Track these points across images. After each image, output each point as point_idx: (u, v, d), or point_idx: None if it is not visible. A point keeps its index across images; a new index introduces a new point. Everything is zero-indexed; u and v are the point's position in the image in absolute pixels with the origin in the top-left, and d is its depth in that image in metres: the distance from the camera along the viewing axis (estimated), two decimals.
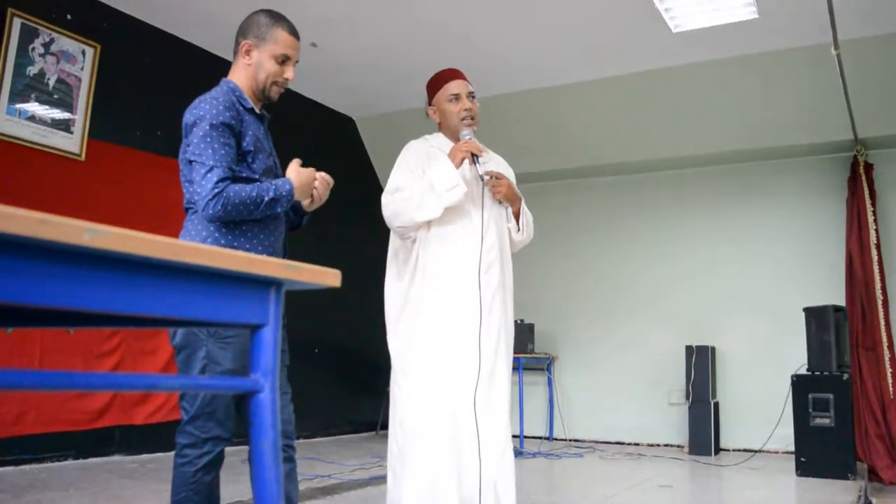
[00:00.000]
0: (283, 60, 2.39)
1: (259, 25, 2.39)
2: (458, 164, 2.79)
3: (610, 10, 5.47)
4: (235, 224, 2.26)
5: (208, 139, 2.20)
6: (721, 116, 6.78)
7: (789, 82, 6.27)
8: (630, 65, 6.47)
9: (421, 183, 2.81)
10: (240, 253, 0.89)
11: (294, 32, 2.43)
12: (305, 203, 2.47)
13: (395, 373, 2.90)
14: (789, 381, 5.76)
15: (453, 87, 2.96)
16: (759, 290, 7.10)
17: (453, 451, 2.71)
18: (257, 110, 2.40)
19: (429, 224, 2.85)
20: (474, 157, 2.82)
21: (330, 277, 0.99)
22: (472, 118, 2.95)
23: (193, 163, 2.21)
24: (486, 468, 2.74)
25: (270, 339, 0.96)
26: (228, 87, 2.35)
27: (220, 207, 2.16)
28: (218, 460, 2.24)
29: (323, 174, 2.46)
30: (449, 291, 2.81)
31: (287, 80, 2.42)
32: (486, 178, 2.90)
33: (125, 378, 0.99)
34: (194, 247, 0.83)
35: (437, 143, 3.01)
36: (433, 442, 2.71)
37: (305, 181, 2.37)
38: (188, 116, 2.27)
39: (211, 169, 2.17)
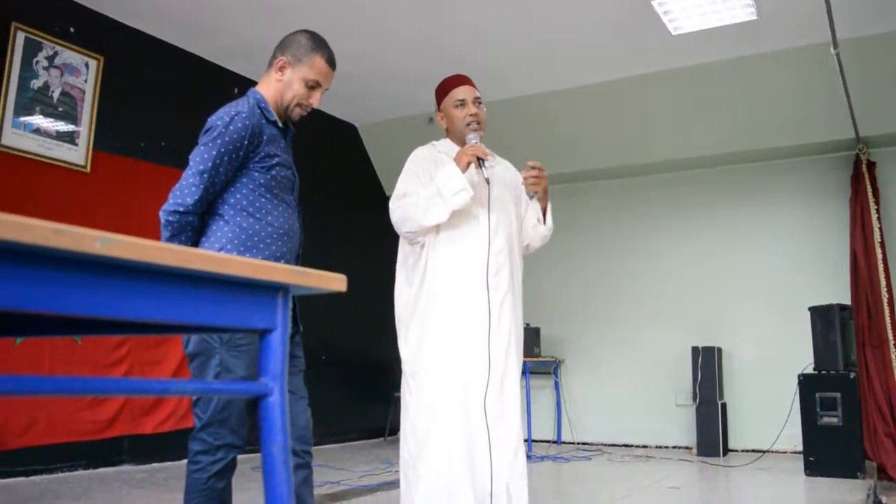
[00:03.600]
0: (313, 86, 2.42)
1: (299, 46, 2.41)
2: (465, 169, 2.80)
3: (608, 13, 5.49)
4: (253, 233, 2.28)
5: (213, 152, 2.23)
6: (723, 118, 6.80)
7: (790, 82, 6.28)
8: (630, 68, 6.49)
9: (428, 188, 2.83)
10: (247, 259, 0.90)
11: (331, 61, 2.45)
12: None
13: (406, 378, 2.91)
14: (796, 380, 5.75)
15: (460, 92, 2.98)
16: (764, 291, 7.10)
17: (466, 456, 2.72)
18: (280, 124, 2.42)
19: (437, 228, 2.87)
20: (480, 161, 2.84)
21: (336, 282, 1.01)
22: (479, 123, 2.97)
23: (188, 166, 2.26)
24: (499, 471, 2.76)
25: (279, 344, 0.98)
26: (255, 98, 2.38)
27: (166, 233, 2.25)
28: (230, 467, 2.25)
29: None
30: (458, 295, 2.83)
31: (311, 105, 2.44)
32: (532, 168, 2.92)
33: (137, 383, 1.01)
34: (202, 254, 0.85)
35: (444, 149, 3.03)
36: (446, 447, 2.72)
37: None
38: (210, 120, 2.31)
39: (195, 187, 2.23)
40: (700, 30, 5.67)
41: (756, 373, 7.02)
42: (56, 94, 5.19)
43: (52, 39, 5.17)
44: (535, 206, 3.08)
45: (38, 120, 5.08)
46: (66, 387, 0.80)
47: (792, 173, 7.18)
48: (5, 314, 0.95)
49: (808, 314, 5.92)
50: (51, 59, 5.16)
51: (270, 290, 0.97)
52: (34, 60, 5.06)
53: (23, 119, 4.98)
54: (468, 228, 2.87)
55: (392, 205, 2.90)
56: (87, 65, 5.39)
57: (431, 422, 2.75)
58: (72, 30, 5.31)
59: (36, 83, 5.07)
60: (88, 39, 5.41)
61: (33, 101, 5.05)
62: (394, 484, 3.15)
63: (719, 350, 7.02)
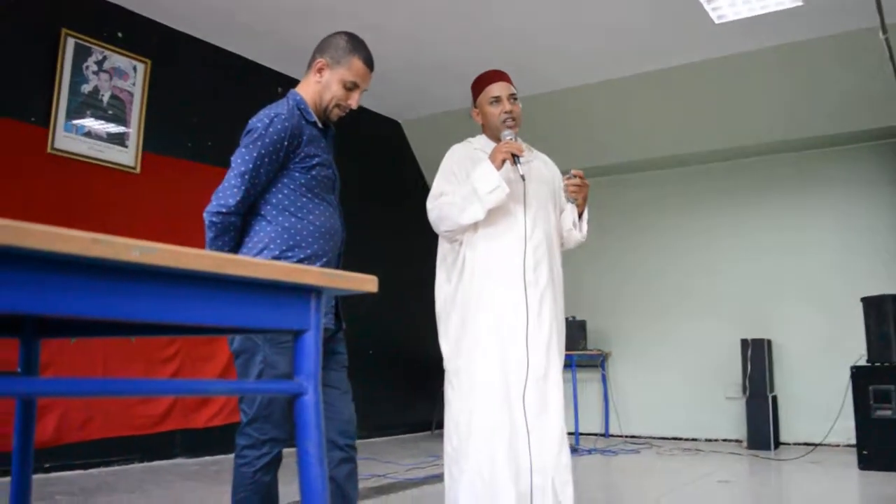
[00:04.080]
0: (351, 87, 2.44)
1: (337, 48, 2.44)
2: (500, 166, 2.80)
3: (652, 4, 5.44)
4: (295, 232, 2.32)
5: (253, 154, 2.27)
6: (769, 106, 6.68)
7: (837, 69, 6.14)
8: (674, 58, 6.42)
9: (464, 186, 2.84)
10: (280, 263, 0.93)
11: (369, 62, 2.47)
12: None
13: (448, 374, 2.94)
14: (848, 372, 5.65)
15: (494, 89, 2.98)
16: (815, 281, 6.97)
17: (508, 451, 2.74)
18: (319, 124, 2.45)
19: (475, 226, 2.88)
20: (515, 158, 2.84)
21: (367, 283, 1.03)
22: (514, 120, 2.97)
23: (230, 167, 2.30)
24: (543, 466, 2.76)
25: (312, 344, 1.01)
26: (295, 99, 2.41)
27: (210, 233, 2.29)
28: (276, 461, 2.30)
29: None
30: (496, 291, 2.84)
31: (350, 106, 2.47)
32: (573, 177, 2.92)
33: (177, 384, 1.04)
34: (236, 259, 0.88)
35: (480, 145, 3.04)
36: (487, 443, 2.74)
37: None
38: (250, 123, 2.35)
39: (237, 189, 2.26)
40: (744, 18, 5.58)
41: (807, 365, 6.91)
42: (106, 98, 5.32)
43: (102, 44, 5.30)
44: (572, 211, 3.06)
45: (89, 123, 5.21)
46: (109, 388, 0.84)
47: (842, 161, 7.04)
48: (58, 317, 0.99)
49: (860, 305, 5.81)
50: (100, 63, 5.29)
51: (304, 292, 1.00)
52: (84, 65, 5.19)
53: (75, 122, 5.12)
54: (505, 225, 2.88)
55: (429, 204, 2.92)
56: (135, 68, 5.51)
57: (473, 418, 2.78)
58: (120, 35, 5.44)
59: (86, 87, 5.21)
60: (136, 44, 5.54)
61: (84, 104, 5.19)
62: (440, 477, 3.20)
63: (769, 342, 6.92)
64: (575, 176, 2.93)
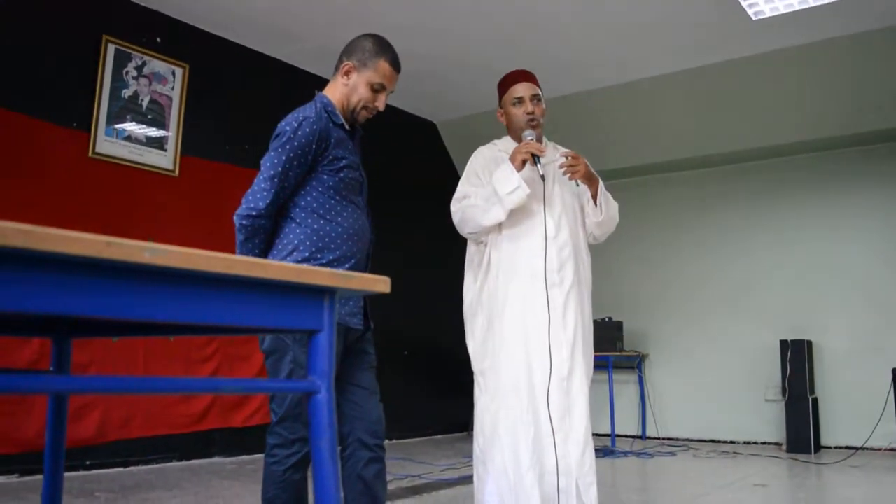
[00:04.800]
0: (378, 89, 2.47)
1: (364, 50, 2.47)
2: (520, 167, 2.81)
3: (688, 1, 5.39)
4: (324, 234, 2.36)
5: (282, 157, 2.31)
6: (809, 103, 6.58)
7: (878, 64, 6.03)
8: (710, 55, 6.35)
9: (486, 188, 2.86)
10: (291, 265, 0.96)
11: (396, 64, 2.50)
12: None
13: (476, 374, 2.96)
14: (891, 375, 5.54)
15: (518, 90, 2.99)
16: (857, 282, 6.85)
17: (533, 452, 2.74)
18: (347, 126, 2.48)
19: (499, 227, 2.90)
20: (535, 158, 2.84)
21: (379, 284, 1.05)
22: (536, 121, 2.97)
23: (260, 171, 2.34)
24: (567, 467, 2.77)
25: (326, 344, 1.03)
26: (322, 102, 2.45)
27: (241, 236, 2.32)
28: (306, 460, 2.32)
29: None
30: (519, 292, 2.84)
31: (377, 108, 2.50)
32: (564, 158, 2.89)
33: (193, 382, 1.07)
34: (248, 260, 0.90)
35: (504, 147, 3.05)
36: (512, 444, 2.75)
37: None
38: (279, 126, 2.38)
39: (266, 192, 2.29)
40: (782, 13, 5.50)
41: (848, 367, 6.78)
42: (145, 102, 5.43)
43: (141, 50, 5.41)
44: (585, 192, 3.02)
45: (129, 127, 5.32)
46: (126, 386, 0.87)
47: (883, 158, 6.91)
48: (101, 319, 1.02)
49: None
50: (140, 68, 5.40)
51: (316, 293, 1.02)
52: (124, 70, 5.31)
53: (115, 127, 5.23)
54: (527, 226, 2.89)
55: (453, 207, 2.95)
56: (173, 73, 5.61)
57: (498, 419, 2.79)
58: (158, 40, 5.55)
59: (126, 92, 5.32)
60: (174, 49, 5.64)
61: (124, 109, 5.30)
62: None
63: (809, 343, 6.81)
64: (565, 157, 2.89)
